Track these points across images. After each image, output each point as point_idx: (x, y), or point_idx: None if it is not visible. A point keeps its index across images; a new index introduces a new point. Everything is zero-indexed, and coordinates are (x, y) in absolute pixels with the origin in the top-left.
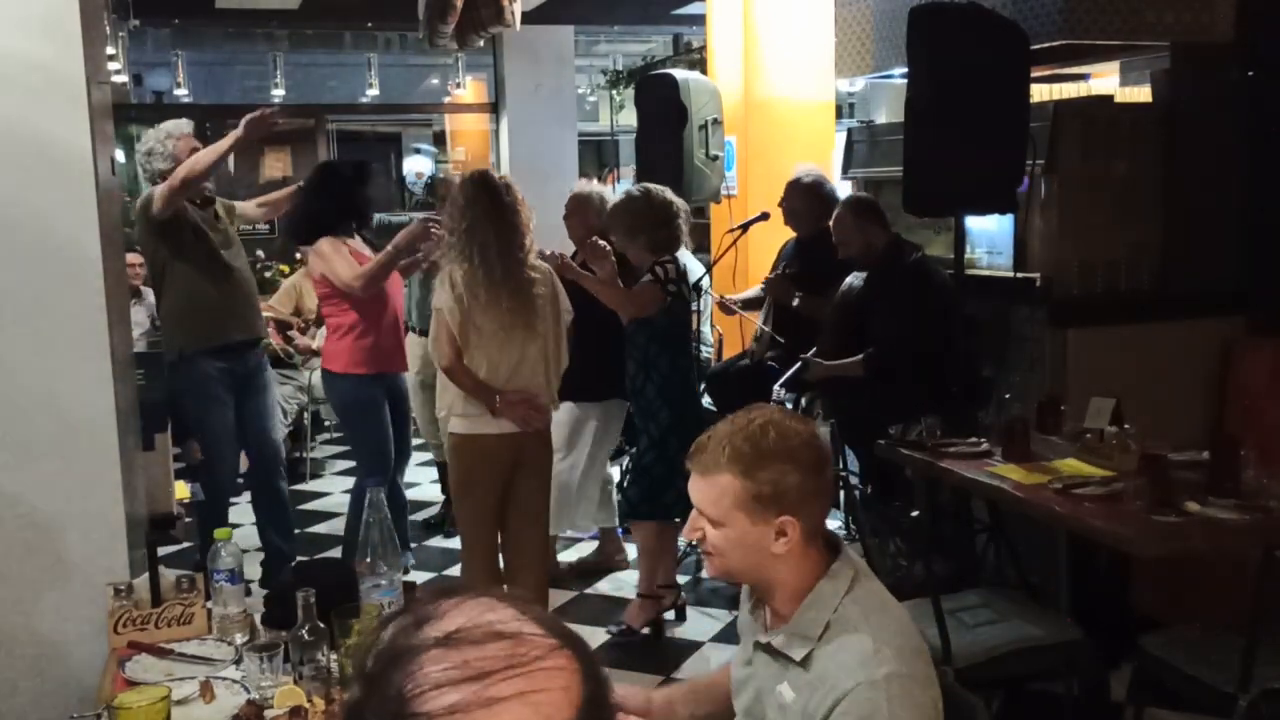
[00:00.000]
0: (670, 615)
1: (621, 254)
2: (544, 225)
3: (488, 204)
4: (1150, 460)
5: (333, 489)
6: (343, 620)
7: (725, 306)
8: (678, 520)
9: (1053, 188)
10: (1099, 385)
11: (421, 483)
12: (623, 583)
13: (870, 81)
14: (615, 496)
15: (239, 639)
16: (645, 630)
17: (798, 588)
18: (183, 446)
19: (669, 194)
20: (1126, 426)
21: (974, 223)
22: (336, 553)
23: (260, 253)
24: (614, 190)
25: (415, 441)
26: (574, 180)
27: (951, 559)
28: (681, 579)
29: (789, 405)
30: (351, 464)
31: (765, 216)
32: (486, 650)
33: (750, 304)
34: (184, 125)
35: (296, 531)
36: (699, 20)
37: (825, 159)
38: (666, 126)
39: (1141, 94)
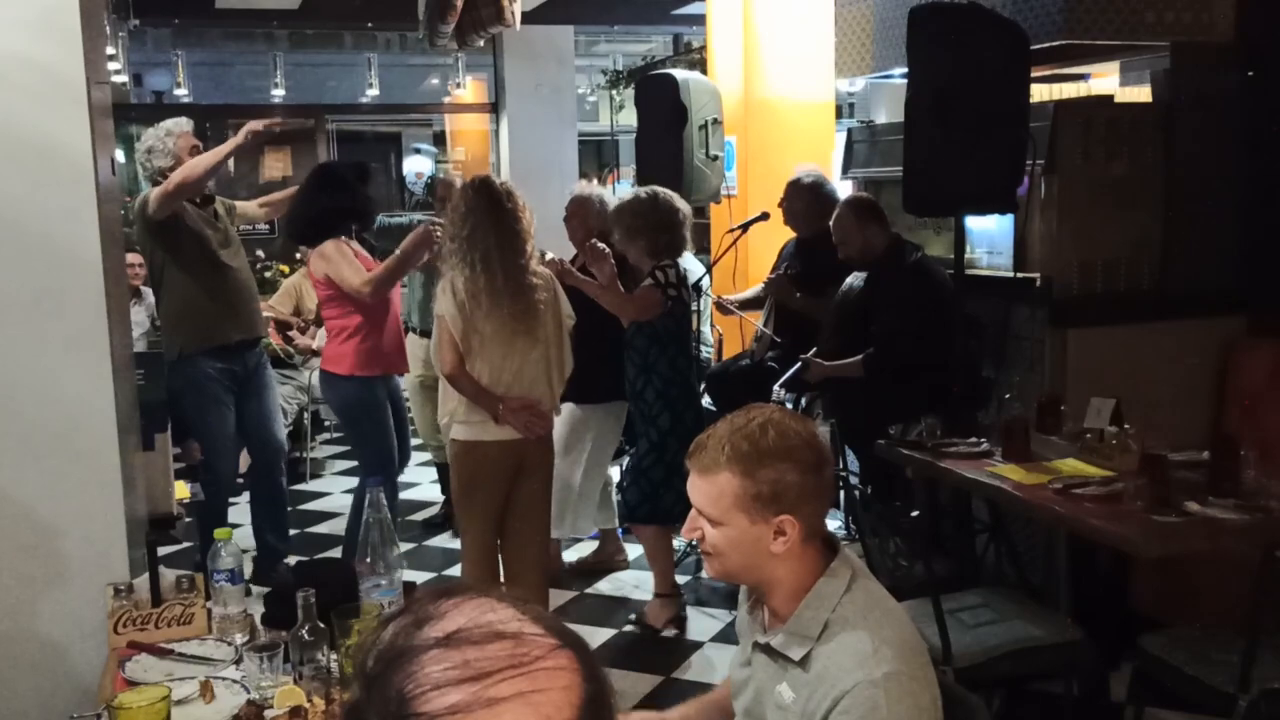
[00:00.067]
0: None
1: (621, 256)
2: (544, 226)
3: (489, 211)
4: (1150, 460)
5: (333, 489)
6: (343, 620)
7: (722, 307)
8: (677, 525)
9: (1053, 188)
10: (1099, 385)
11: (421, 483)
12: (623, 583)
13: (870, 81)
14: (615, 497)
15: (239, 639)
16: (670, 629)
17: (796, 587)
18: (183, 446)
19: (676, 200)
20: (1126, 426)
21: (974, 223)
22: (337, 553)
23: (260, 252)
24: (614, 191)
25: (414, 442)
26: (574, 180)
27: (951, 559)
28: (681, 579)
29: (789, 405)
30: (351, 464)
31: (765, 216)
32: (487, 650)
33: (749, 304)
34: (184, 123)
35: (296, 531)
36: (699, 20)
37: (825, 159)
38: (666, 126)
39: (1141, 94)
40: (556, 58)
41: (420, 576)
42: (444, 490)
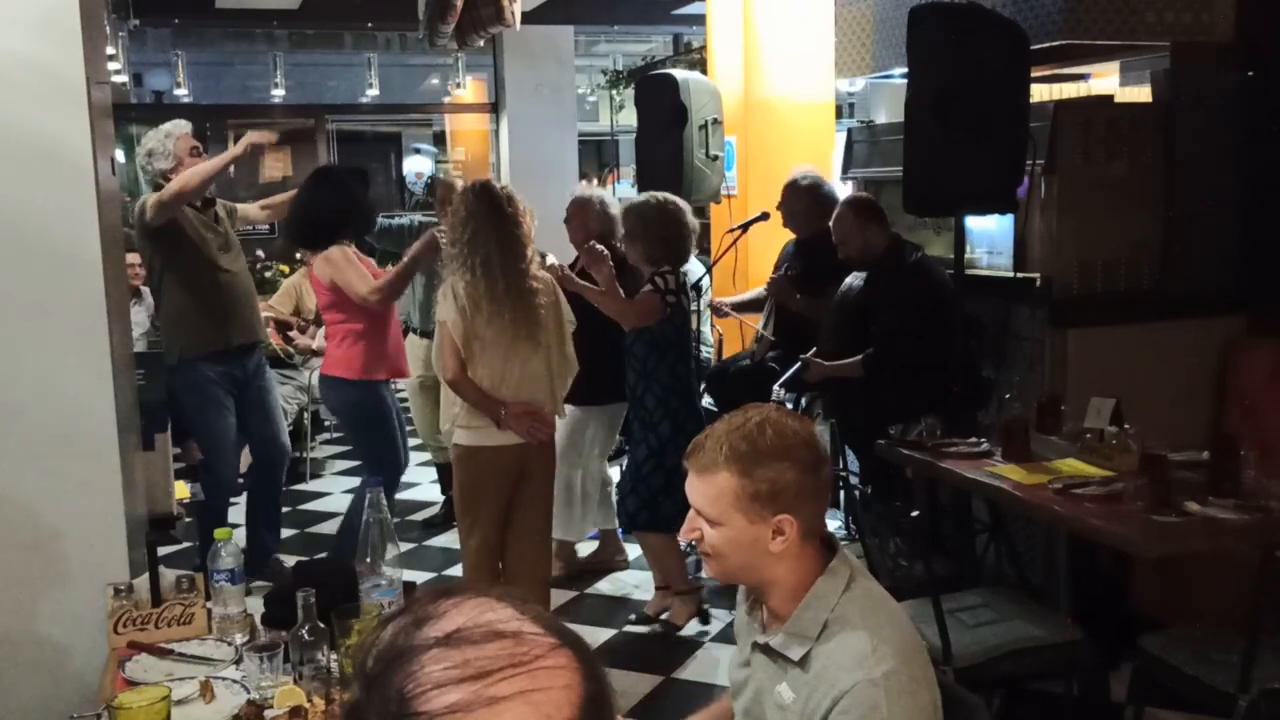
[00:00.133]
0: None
1: (622, 258)
2: (544, 226)
3: (489, 215)
4: (1150, 460)
5: (333, 489)
6: (343, 620)
7: (718, 311)
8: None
9: (1053, 188)
10: (1099, 385)
11: (421, 483)
12: (623, 583)
13: (870, 81)
14: (614, 497)
15: (239, 639)
16: (696, 623)
17: (795, 587)
18: (183, 446)
19: (686, 213)
20: (1126, 426)
21: (974, 223)
22: None
23: (260, 252)
24: (614, 192)
25: (414, 442)
26: (574, 180)
27: (951, 559)
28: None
29: (789, 405)
30: (351, 464)
31: (765, 216)
32: (487, 649)
33: (748, 306)
34: (182, 125)
35: (296, 531)
36: (699, 20)
37: (825, 159)
38: (666, 126)
39: (1141, 94)
40: (556, 58)
41: (420, 576)
42: (444, 490)
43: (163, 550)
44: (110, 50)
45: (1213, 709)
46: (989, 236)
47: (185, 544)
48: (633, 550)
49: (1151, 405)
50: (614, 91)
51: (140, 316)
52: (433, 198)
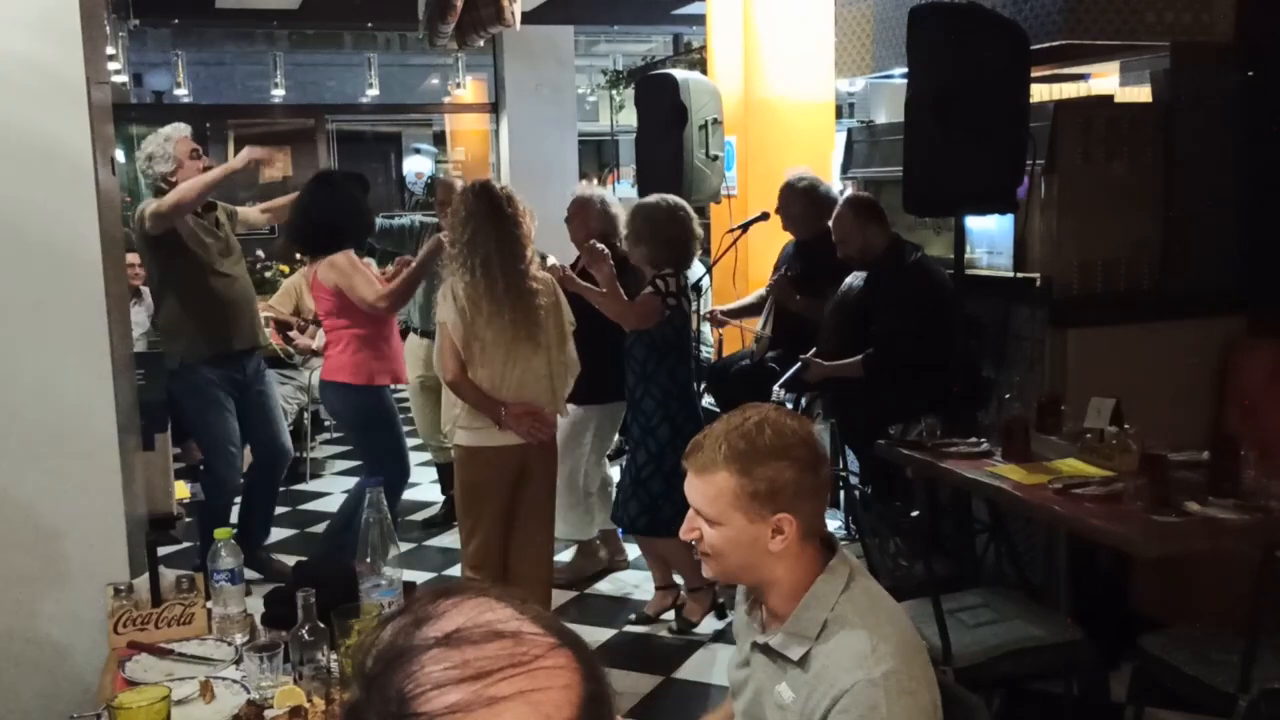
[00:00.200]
0: (670, 615)
1: (623, 258)
2: (544, 226)
3: (489, 216)
4: (1150, 460)
5: (333, 489)
6: (343, 620)
7: (716, 320)
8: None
9: (1053, 188)
10: (1099, 385)
11: (421, 483)
12: (623, 583)
13: (870, 81)
14: (614, 496)
15: (239, 639)
16: (713, 619)
17: (795, 586)
18: (183, 446)
19: (694, 221)
20: (1126, 426)
21: (974, 223)
22: None
23: (260, 252)
24: (614, 191)
25: (414, 443)
26: (574, 180)
27: (951, 559)
28: (680, 579)
29: (789, 405)
30: (351, 464)
31: (765, 216)
32: (486, 649)
33: (743, 312)
34: (181, 128)
35: (296, 531)
36: (699, 20)
37: (825, 159)
38: (666, 126)
39: (1141, 94)
40: (556, 58)
41: (420, 576)
42: (444, 490)
43: (163, 550)
44: (110, 50)
45: (1213, 709)
46: (989, 236)
47: (185, 544)
48: (632, 550)
49: (1151, 405)
50: (614, 91)
51: (140, 316)
52: (433, 198)
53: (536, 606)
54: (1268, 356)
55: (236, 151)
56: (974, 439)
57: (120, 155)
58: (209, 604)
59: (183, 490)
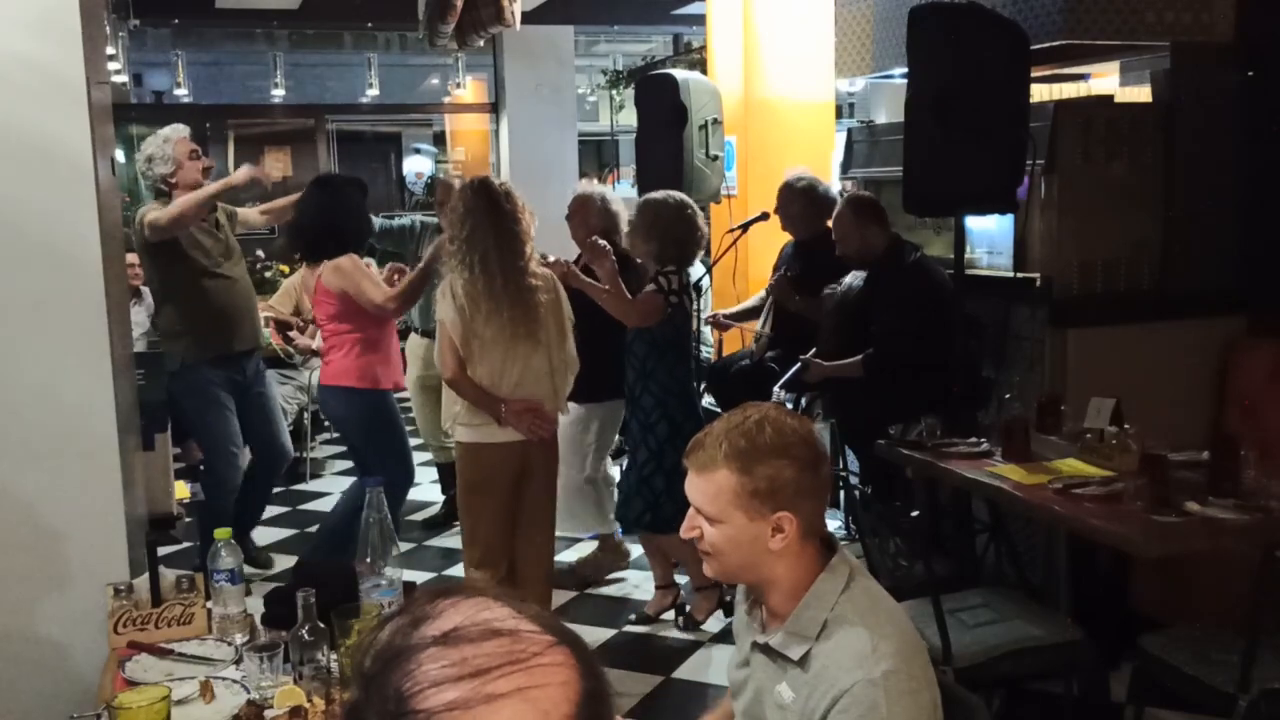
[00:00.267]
0: (670, 615)
1: (624, 254)
2: (544, 225)
3: (487, 211)
4: (1150, 460)
5: (333, 489)
6: (343, 620)
7: (719, 324)
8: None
9: (1053, 188)
10: (1099, 385)
11: (421, 483)
12: (623, 583)
13: (870, 81)
14: (615, 495)
15: (239, 639)
16: (718, 617)
17: (795, 585)
18: (183, 446)
19: (700, 219)
20: (1126, 426)
21: (974, 223)
22: None
23: (260, 252)
24: (614, 190)
25: (415, 442)
26: (574, 180)
27: (951, 559)
28: (681, 579)
29: (789, 406)
30: (351, 464)
31: (765, 216)
32: (484, 647)
33: (745, 315)
34: (180, 129)
35: (296, 531)
36: (699, 20)
37: (825, 159)
38: (666, 126)
39: (1141, 94)
40: (556, 58)
41: (420, 576)
42: (444, 490)
43: (163, 550)
44: (110, 50)
45: (1213, 709)
46: (989, 236)
47: (185, 544)
48: (633, 550)
49: (1151, 405)
50: (614, 91)
51: (140, 316)
52: (433, 198)
53: (534, 605)
54: (1268, 356)
55: (236, 151)
56: (974, 439)
57: (120, 155)
58: (209, 604)
59: (183, 490)
